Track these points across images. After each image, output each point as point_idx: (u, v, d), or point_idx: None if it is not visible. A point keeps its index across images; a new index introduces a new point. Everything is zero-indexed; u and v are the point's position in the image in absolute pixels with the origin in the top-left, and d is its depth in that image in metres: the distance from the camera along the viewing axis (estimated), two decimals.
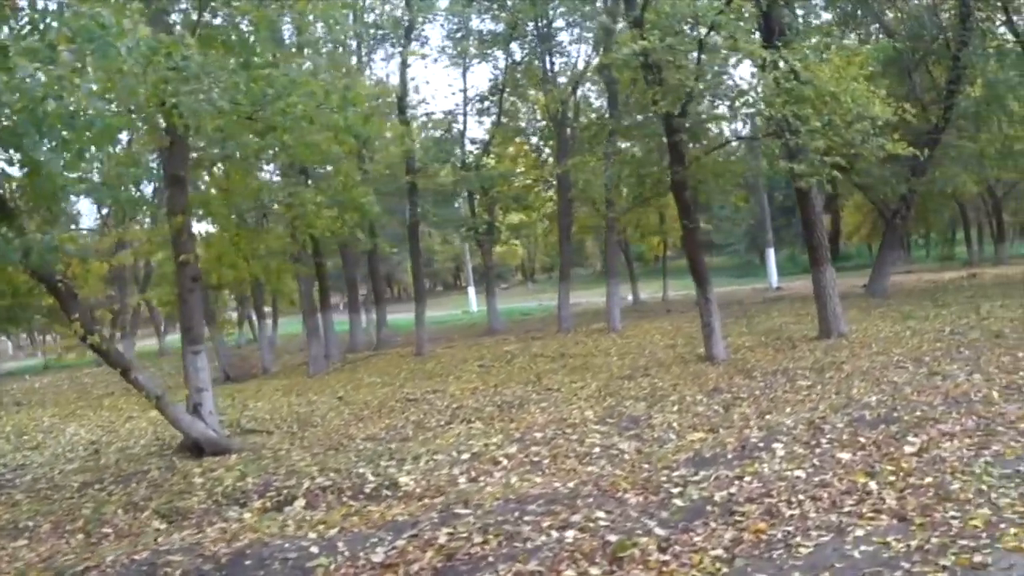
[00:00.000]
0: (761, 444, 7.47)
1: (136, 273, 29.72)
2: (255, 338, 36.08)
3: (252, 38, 10.76)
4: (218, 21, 12.12)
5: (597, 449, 8.57)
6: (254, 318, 35.76)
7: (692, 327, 19.24)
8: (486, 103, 25.30)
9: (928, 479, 5.97)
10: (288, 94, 9.94)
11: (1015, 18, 21.23)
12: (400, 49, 20.38)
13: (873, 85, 11.96)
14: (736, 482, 6.45)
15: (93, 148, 7.71)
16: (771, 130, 12.51)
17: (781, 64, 11.15)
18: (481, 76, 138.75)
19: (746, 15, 12.91)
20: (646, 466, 7.36)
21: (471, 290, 41.19)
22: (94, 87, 7.61)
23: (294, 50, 18.19)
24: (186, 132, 11.24)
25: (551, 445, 8.99)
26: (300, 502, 8.17)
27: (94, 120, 7.39)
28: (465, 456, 8.98)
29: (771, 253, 33.02)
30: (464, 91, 25.20)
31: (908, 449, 6.78)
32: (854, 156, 12.61)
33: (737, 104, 12.02)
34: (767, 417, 8.92)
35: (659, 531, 5.59)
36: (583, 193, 18.29)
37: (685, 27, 12.06)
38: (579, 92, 23.64)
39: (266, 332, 19.95)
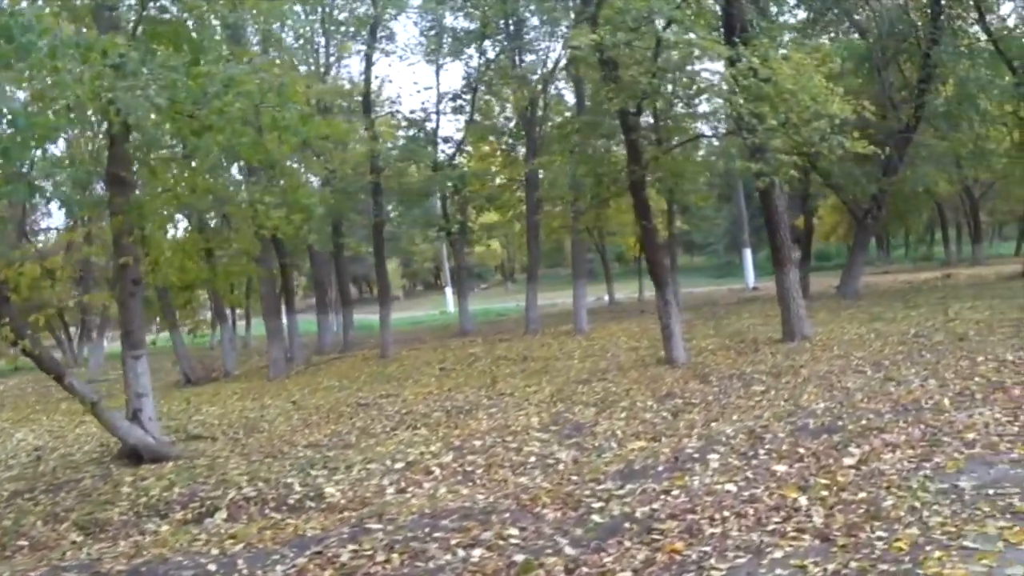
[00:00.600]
0: (697, 455, 7.10)
1: (106, 275, 29.07)
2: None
3: (200, 35, 10.39)
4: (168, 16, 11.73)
5: (533, 459, 8.19)
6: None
7: (658, 329, 18.91)
8: (459, 101, 24.90)
9: (862, 494, 5.61)
10: (225, 92, 9.53)
11: (988, 17, 20.92)
12: (364, 47, 19.94)
13: (835, 83, 11.61)
14: (662, 496, 6.08)
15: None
16: (728, 129, 12.14)
17: (741, 61, 10.80)
18: (456, 74, 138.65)
19: (707, 12, 12.52)
20: (575, 478, 6.99)
21: (448, 290, 40.75)
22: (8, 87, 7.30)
23: (257, 48, 17.90)
24: (125, 131, 10.84)
25: (488, 454, 8.61)
26: (222, 514, 7.78)
27: (16, 120, 7.09)
28: (399, 465, 8.58)
29: (748, 253, 32.73)
30: (437, 89, 24.74)
31: (847, 461, 6.42)
32: (815, 155, 12.26)
33: (696, 102, 11.59)
34: (712, 425, 8.56)
35: (569, 550, 5.21)
36: (550, 192, 17.87)
37: (643, 23, 11.64)
38: (551, 90, 23.27)
39: (228, 334, 19.46)
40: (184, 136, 10.11)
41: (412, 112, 24.81)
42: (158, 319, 20.07)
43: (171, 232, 16.68)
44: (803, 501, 5.62)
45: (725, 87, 11.46)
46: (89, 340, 26.48)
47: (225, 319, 20.22)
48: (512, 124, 24.59)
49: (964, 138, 20.59)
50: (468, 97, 24.60)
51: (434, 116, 24.36)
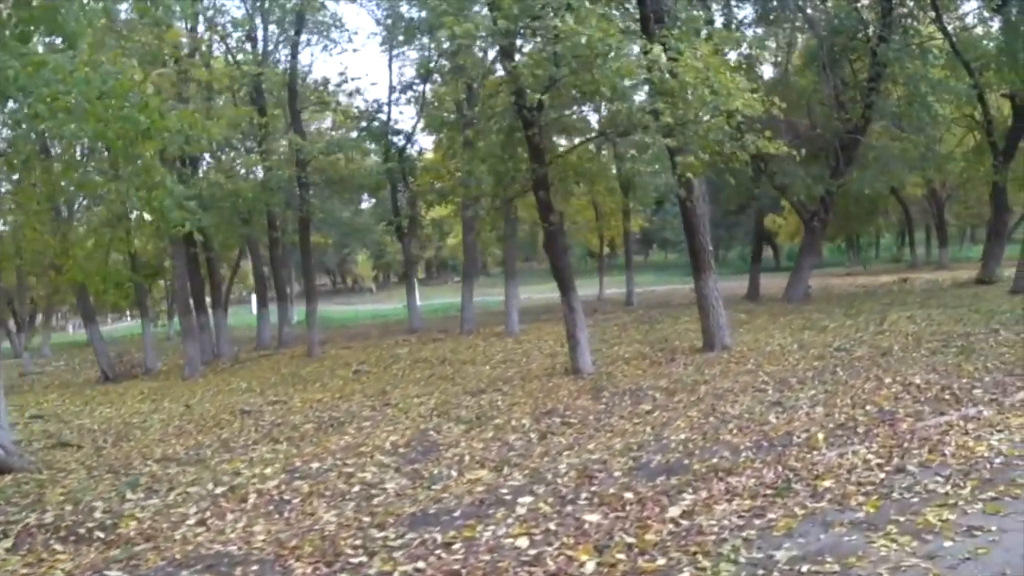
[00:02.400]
0: (510, 495, 6.04)
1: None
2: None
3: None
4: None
5: (358, 488, 7.12)
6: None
7: (594, 330, 17.89)
8: (409, 93, 23.76)
9: (660, 561, 4.56)
10: (58, 81, 8.46)
11: (944, 16, 19.79)
12: (297, 37, 18.71)
13: (745, 75, 10.48)
14: (437, 551, 5.02)
15: None
16: (621, 128, 11.01)
17: (650, 54, 9.69)
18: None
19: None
20: (366, 519, 5.91)
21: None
22: None
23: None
24: None
25: (318, 479, 7.54)
26: (6, 543, 6.73)
27: None
28: (220, 490, 7.52)
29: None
30: (390, 80, 23.57)
31: (672, 512, 5.37)
32: (720, 155, 11.20)
33: (598, 99, 10.42)
34: (565, 453, 7.49)
35: None
36: (469, 191, 16.74)
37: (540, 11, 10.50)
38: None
39: (149, 329, 18.33)
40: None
41: (371, 103, 23.66)
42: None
43: None
44: (589, 567, 4.56)
45: (627, 83, 10.31)
46: (31, 330, 25.26)
47: (146, 313, 19.12)
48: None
49: (915, 140, 19.45)
50: (420, 88, 23.50)
51: (386, 107, 23.22)
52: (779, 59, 21.26)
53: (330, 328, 29.55)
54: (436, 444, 8.59)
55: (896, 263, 39.15)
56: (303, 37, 20.11)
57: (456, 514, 5.72)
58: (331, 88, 20.07)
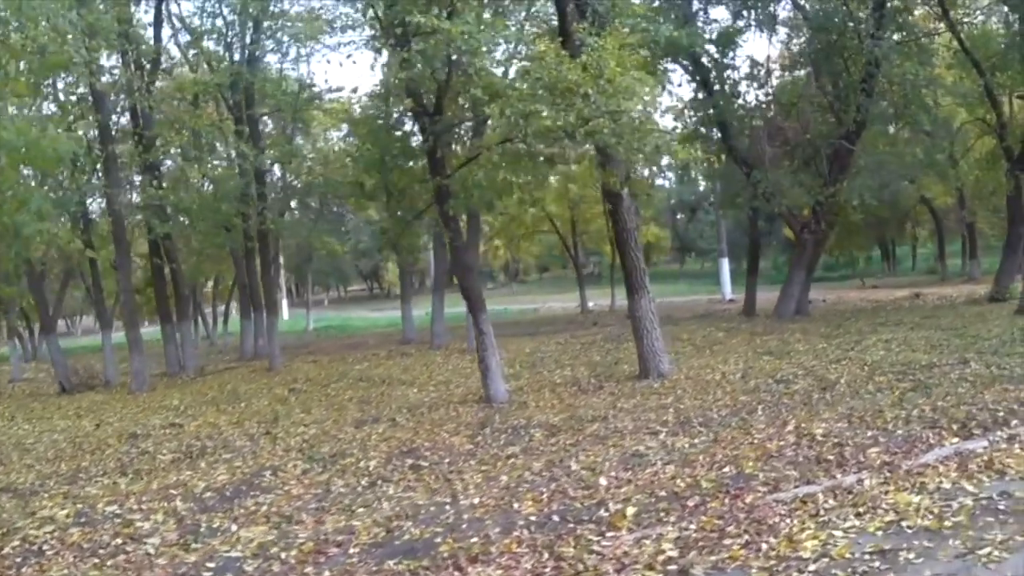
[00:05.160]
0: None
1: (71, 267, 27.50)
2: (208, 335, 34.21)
3: None
4: None
5: (119, 541, 6.14)
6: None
7: (549, 348, 16.49)
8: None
9: None
10: None
11: (951, 13, 17.71)
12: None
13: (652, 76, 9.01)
14: None
15: None
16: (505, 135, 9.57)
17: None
18: None
19: None
20: None
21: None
22: None
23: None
24: None
25: (95, 527, 6.53)
26: None
27: None
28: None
29: (724, 263, 29.76)
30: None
31: None
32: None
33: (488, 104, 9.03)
34: (361, 510, 6.28)
35: None
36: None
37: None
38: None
39: (109, 340, 17.59)
40: None
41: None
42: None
43: None
44: None
45: (525, 86, 8.93)
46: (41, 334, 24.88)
47: (106, 323, 18.41)
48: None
49: (919, 143, 17.39)
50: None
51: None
52: (766, 61, 19.28)
53: (329, 337, 28.75)
54: (255, 488, 7.48)
55: (932, 275, 36.32)
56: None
57: None
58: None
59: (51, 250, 20.99)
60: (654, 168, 28.79)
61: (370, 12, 9.78)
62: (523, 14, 13.70)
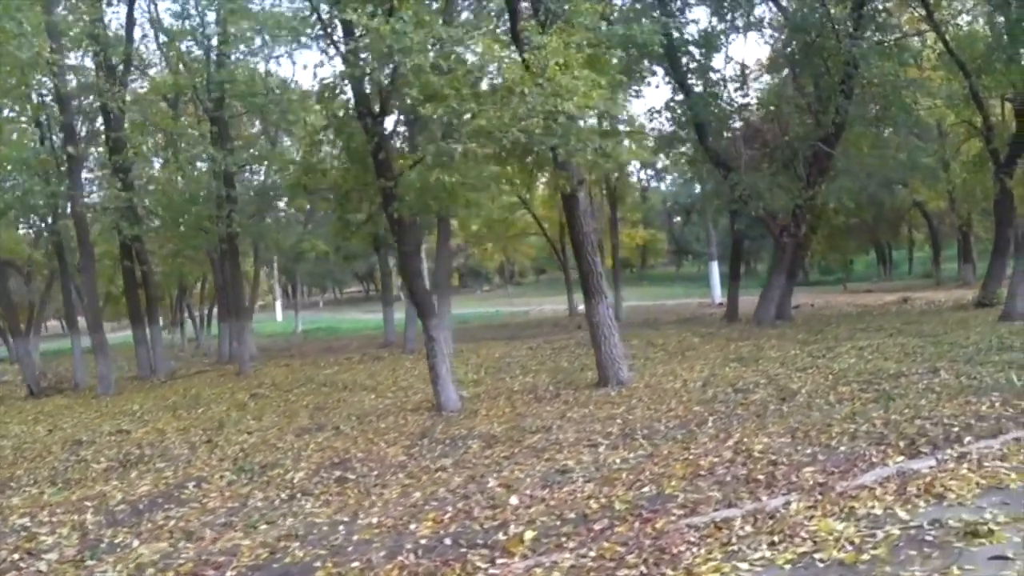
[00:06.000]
0: None
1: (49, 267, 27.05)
2: (196, 336, 33.89)
3: None
4: None
5: (16, 556, 5.84)
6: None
7: (521, 353, 16.04)
8: None
9: None
10: None
11: (935, 14, 17.22)
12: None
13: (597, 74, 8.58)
14: None
15: None
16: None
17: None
18: None
19: None
20: None
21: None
22: None
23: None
24: None
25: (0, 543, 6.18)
26: None
27: None
28: None
29: (715, 267, 29.31)
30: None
31: None
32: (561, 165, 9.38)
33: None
34: (261, 527, 5.88)
35: None
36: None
37: None
38: None
39: (78, 343, 17.26)
40: None
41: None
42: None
43: None
44: None
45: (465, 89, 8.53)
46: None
47: (74, 326, 18.08)
48: None
49: (899, 144, 16.87)
50: None
51: None
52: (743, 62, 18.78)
53: (315, 340, 28.47)
54: (173, 500, 7.23)
55: (928, 279, 35.76)
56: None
57: None
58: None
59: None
60: (648, 171, 28.40)
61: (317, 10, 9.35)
62: (470, 14, 13.29)
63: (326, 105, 9.71)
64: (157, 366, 18.09)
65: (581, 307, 31.21)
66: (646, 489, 5.89)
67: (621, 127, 9.44)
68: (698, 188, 43.30)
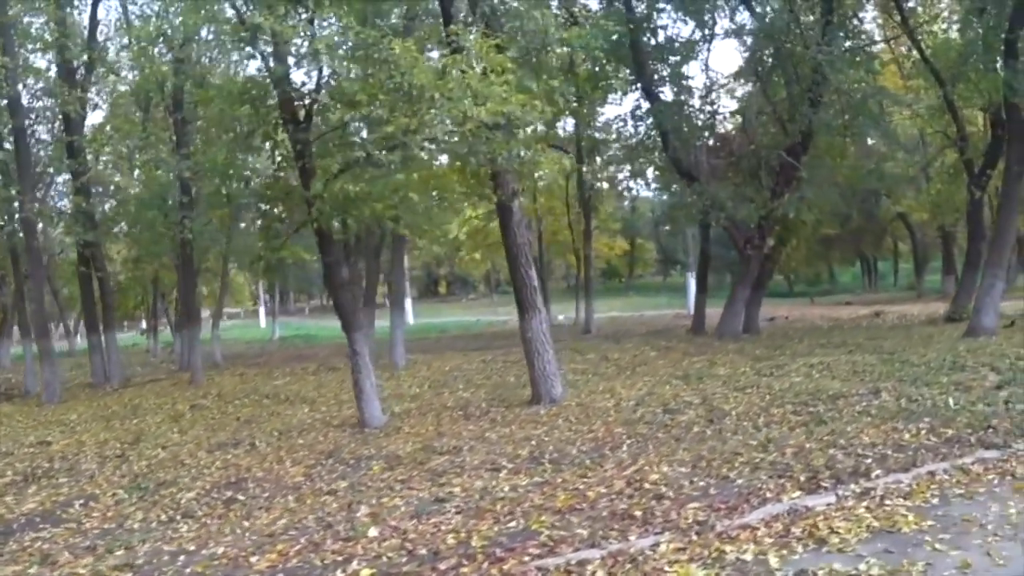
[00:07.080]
0: None
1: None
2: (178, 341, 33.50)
3: None
4: None
5: None
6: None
7: (472, 366, 15.66)
8: None
9: None
10: None
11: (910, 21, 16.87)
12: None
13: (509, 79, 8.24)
14: None
15: None
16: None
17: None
18: None
19: None
20: None
21: (408, 302, 37.55)
22: None
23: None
24: None
25: None
26: None
27: None
28: None
29: (691, 278, 28.92)
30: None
31: None
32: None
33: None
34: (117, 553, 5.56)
35: None
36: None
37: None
38: None
39: (29, 350, 16.95)
40: None
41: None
42: None
43: None
44: None
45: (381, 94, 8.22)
46: None
47: (27, 333, 17.77)
48: None
49: (863, 158, 16.52)
50: None
51: None
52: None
53: (289, 347, 28.13)
54: (51, 520, 7.18)
55: (911, 291, 35.32)
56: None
57: None
58: None
59: None
60: (635, 181, 27.93)
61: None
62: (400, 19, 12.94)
63: (254, 110, 9.36)
64: (111, 373, 17.77)
65: (560, 317, 31.06)
66: (512, 524, 5.55)
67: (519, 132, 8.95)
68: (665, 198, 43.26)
